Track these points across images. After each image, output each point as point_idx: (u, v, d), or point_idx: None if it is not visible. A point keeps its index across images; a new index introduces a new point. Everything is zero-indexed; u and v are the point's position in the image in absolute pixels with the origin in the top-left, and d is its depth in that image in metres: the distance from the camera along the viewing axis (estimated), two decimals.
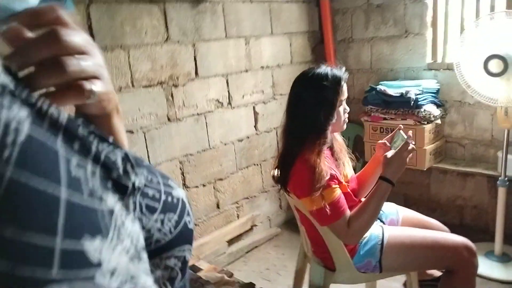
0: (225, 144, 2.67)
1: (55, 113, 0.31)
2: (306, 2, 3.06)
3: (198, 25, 2.41)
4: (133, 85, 2.16)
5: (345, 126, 1.57)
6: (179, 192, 0.47)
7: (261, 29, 2.79)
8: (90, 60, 0.38)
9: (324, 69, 1.49)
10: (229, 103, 2.66)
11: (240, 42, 2.67)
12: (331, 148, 1.59)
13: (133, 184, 0.38)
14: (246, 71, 2.73)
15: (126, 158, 0.36)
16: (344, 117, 1.55)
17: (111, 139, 0.37)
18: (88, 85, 0.38)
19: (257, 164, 2.91)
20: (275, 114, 2.94)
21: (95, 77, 0.39)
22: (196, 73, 2.44)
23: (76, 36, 0.37)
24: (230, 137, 2.70)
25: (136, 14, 2.11)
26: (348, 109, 1.57)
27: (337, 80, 1.46)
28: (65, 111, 0.32)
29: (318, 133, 1.47)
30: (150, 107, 2.24)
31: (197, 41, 2.42)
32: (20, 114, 0.28)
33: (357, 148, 3.05)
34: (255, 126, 2.86)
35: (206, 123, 2.55)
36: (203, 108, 2.51)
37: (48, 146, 0.29)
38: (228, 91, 2.64)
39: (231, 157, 2.72)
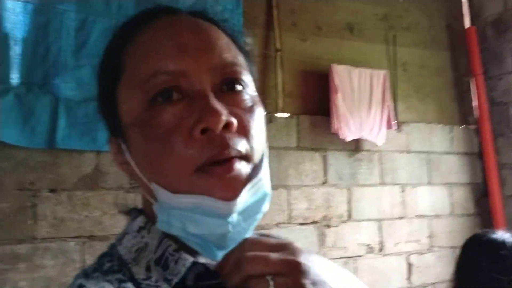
0: None
1: None
2: (469, 154, 3.02)
3: (354, 171, 2.58)
4: (289, 222, 2.35)
5: None
6: None
7: (418, 178, 2.81)
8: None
9: (501, 235, 1.42)
10: (381, 249, 2.62)
11: (395, 189, 2.72)
12: None
13: None
14: (401, 218, 2.72)
15: None
16: None
17: None
18: None
19: None
20: (432, 267, 2.75)
21: None
22: (349, 216, 2.54)
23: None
24: (379, 286, 2.59)
25: (299, 159, 2.40)
26: None
27: None
28: None
29: None
30: (302, 243, 2.34)
31: (352, 186, 2.57)
32: None
33: None
34: (408, 279, 2.70)
35: (354, 268, 2.53)
36: (352, 251, 2.53)
37: None
38: (381, 237, 2.63)
39: None
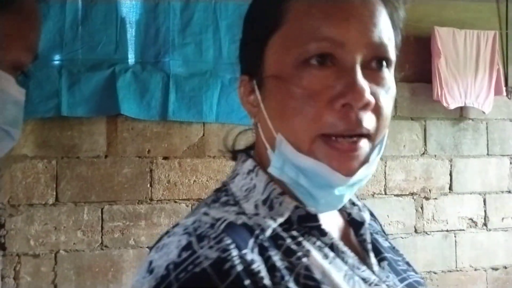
0: (475, 269, 2.56)
1: None
2: None
3: (457, 141, 2.55)
4: (385, 193, 2.43)
5: None
6: None
7: None
8: None
9: None
10: (485, 224, 2.59)
11: (504, 161, 2.64)
12: None
13: None
14: (509, 192, 2.64)
15: None
16: None
17: None
18: None
19: None
20: None
21: None
22: (450, 188, 2.53)
23: None
24: (482, 262, 2.58)
25: (397, 129, 2.44)
26: None
27: None
28: None
29: None
30: (399, 215, 2.44)
31: (455, 157, 2.54)
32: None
33: None
34: None
35: (455, 241, 2.54)
36: (453, 225, 2.54)
37: None
38: (485, 211, 2.59)
39: (482, 286, 2.57)
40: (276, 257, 0.47)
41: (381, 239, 0.63)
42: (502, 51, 2.56)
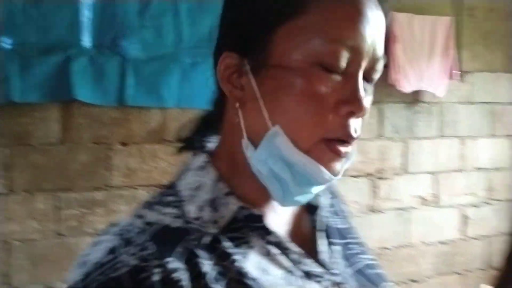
0: (425, 244, 2.76)
1: None
2: None
3: (411, 124, 2.69)
4: (342, 174, 2.54)
5: None
6: None
7: (480, 130, 2.87)
8: None
9: None
10: (436, 202, 2.78)
11: (454, 142, 2.81)
12: None
13: None
14: (458, 171, 2.82)
15: None
16: None
17: None
18: None
19: (460, 274, 2.86)
20: (487, 220, 2.89)
21: None
22: (404, 168, 2.69)
23: None
24: (432, 237, 2.78)
25: None
26: None
27: None
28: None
29: None
30: (355, 195, 2.57)
31: (409, 139, 2.69)
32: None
33: None
34: (462, 231, 2.86)
35: (407, 219, 2.71)
36: (406, 203, 2.70)
37: None
38: (436, 190, 2.77)
39: (430, 259, 2.77)
40: (207, 263, 0.47)
41: (339, 221, 0.66)
42: (456, 36, 2.69)
